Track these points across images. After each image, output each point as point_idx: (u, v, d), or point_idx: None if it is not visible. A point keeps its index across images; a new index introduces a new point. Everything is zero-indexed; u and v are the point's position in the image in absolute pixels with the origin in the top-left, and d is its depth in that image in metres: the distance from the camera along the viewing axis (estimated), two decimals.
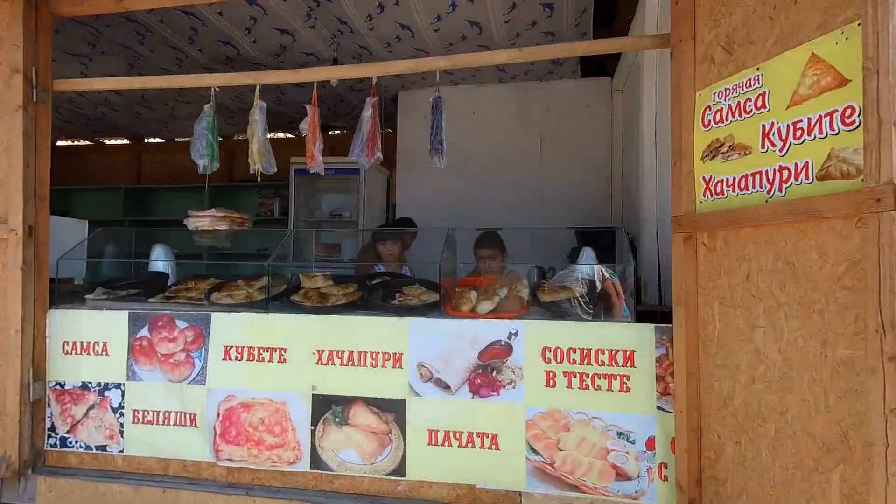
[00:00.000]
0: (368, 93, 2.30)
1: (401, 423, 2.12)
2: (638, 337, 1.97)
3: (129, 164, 6.70)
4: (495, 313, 2.18)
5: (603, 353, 1.99)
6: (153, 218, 5.91)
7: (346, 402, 2.17)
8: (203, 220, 2.56)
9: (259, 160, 2.32)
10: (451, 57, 2.12)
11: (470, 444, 2.06)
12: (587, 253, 2.62)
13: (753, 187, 1.58)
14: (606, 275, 2.20)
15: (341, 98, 4.99)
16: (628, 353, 1.97)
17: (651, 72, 2.97)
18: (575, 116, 4.64)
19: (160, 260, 2.77)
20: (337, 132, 6.50)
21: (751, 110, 1.60)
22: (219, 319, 2.33)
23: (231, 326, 2.32)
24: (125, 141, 6.95)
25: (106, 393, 2.37)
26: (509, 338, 2.08)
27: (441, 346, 2.13)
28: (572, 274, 2.57)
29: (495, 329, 2.10)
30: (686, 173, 1.83)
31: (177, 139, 6.54)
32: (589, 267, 2.56)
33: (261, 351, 2.27)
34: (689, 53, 1.84)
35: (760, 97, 1.57)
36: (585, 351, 2.01)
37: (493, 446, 2.04)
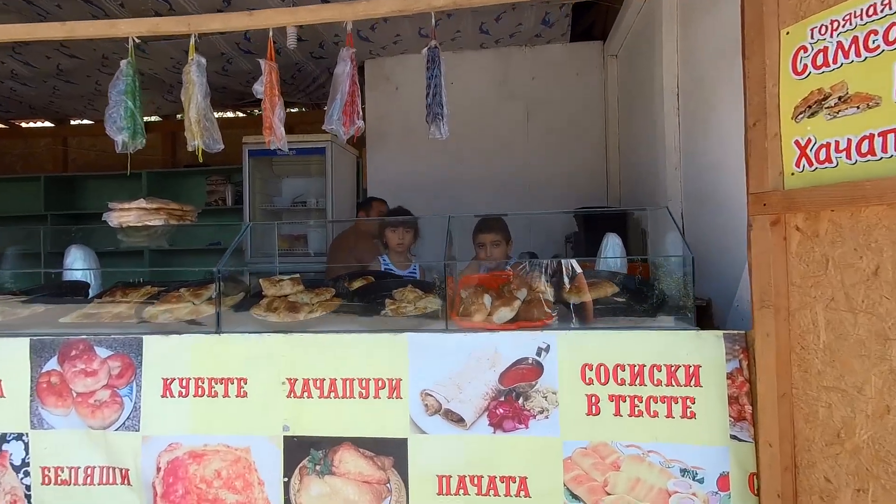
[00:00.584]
0: (330, 62, 1.77)
1: (401, 469, 1.65)
2: (703, 347, 1.56)
3: (53, 151, 5.81)
4: (516, 322, 1.73)
5: (659, 370, 1.57)
6: (83, 211, 5.11)
7: (328, 444, 1.68)
8: (128, 215, 1.97)
9: (199, 134, 1.76)
10: None
11: (492, 492, 1.62)
12: (612, 241, 2.19)
13: (885, 151, 1.17)
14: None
15: (299, 67, 4.35)
16: (692, 368, 1.56)
17: (671, 28, 2.54)
18: (564, 85, 4.20)
19: (75, 268, 2.16)
20: (294, 109, 5.84)
21: (878, 46, 1.18)
22: (154, 344, 1.78)
23: (171, 353, 1.77)
24: (48, 123, 6.04)
25: (3, 447, 1.79)
26: (539, 354, 1.63)
27: (451, 367, 1.66)
28: (601, 266, 2.15)
29: (520, 343, 1.64)
30: (771, 136, 1.41)
31: None
32: (618, 254, 2.14)
33: (213, 383, 1.74)
34: None
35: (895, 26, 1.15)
36: (637, 368, 1.58)
37: (523, 493, 1.61)
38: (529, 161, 4.22)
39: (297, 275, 2.16)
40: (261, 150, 3.75)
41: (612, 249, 2.18)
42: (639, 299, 1.82)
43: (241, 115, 5.78)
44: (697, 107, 2.33)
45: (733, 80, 2.00)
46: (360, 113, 1.74)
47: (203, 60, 1.80)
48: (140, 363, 1.77)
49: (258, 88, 1.78)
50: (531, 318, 1.74)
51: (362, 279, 2.24)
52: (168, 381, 1.75)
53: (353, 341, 1.72)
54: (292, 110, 5.86)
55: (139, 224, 1.98)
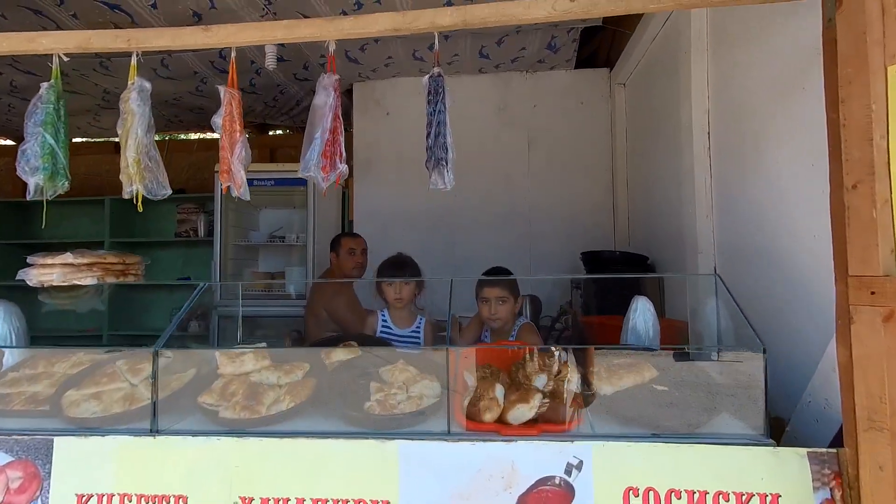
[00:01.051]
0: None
1: None
2: (782, 470, 1.20)
3: (11, 172, 5.35)
4: (537, 425, 1.36)
5: (727, 500, 1.20)
6: (37, 241, 4.65)
7: None
8: (50, 272, 1.58)
9: (138, 177, 1.39)
10: (463, 8, 1.27)
11: None
12: (642, 306, 1.84)
13: None
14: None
15: (282, 90, 4.01)
16: (769, 498, 1.19)
17: (700, 59, 2.24)
18: (568, 113, 3.90)
19: None
20: (278, 132, 5.48)
21: None
22: (67, 448, 1.37)
23: (90, 460, 1.36)
24: (8, 142, 5.59)
25: None
26: (568, 472, 1.26)
27: (453, 486, 1.28)
28: (630, 338, 1.79)
29: (544, 456, 1.27)
30: (881, 204, 1.07)
31: (74, 140, 5.29)
32: (650, 325, 1.79)
33: (143, 503, 1.33)
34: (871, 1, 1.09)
35: None
36: (697, 496, 1.21)
37: None
38: (531, 194, 3.90)
39: (264, 345, 1.77)
40: None
41: (642, 317, 1.83)
42: (685, 389, 1.47)
43: (215, 136, 5.41)
44: (736, 147, 2.02)
45: (790, 116, 1.69)
46: (343, 155, 1.38)
47: (147, 85, 1.44)
48: (48, 473, 1.36)
49: (216, 122, 1.42)
50: (556, 420, 1.37)
51: (345, 349, 1.85)
52: (84, 500, 1.34)
53: (329, 449, 1.33)
54: (277, 132, 5.50)
55: (65, 283, 1.58)
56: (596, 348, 1.66)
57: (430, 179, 1.35)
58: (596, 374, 1.54)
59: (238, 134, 1.37)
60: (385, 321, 2.31)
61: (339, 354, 1.83)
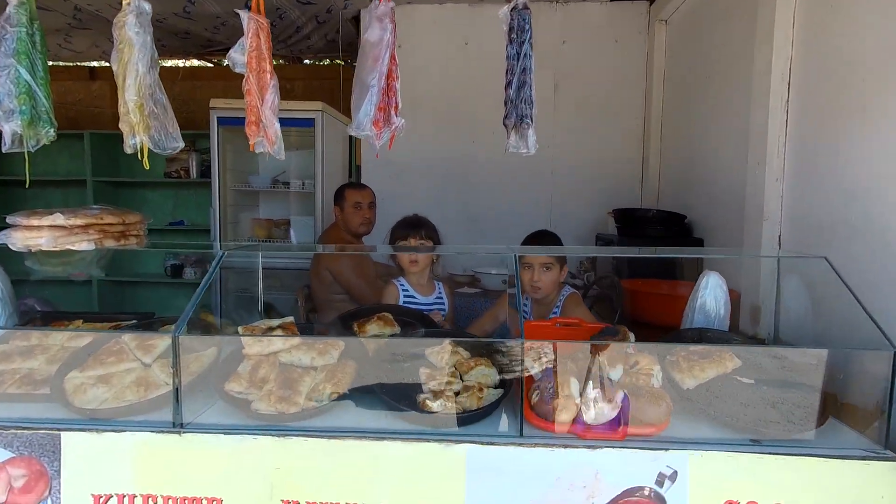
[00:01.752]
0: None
1: None
2: None
3: None
4: (620, 429, 1.20)
5: None
6: (10, 177, 4.25)
7: None
8: (37, 236, 1.33)
9: (141, 125, 1.11)
10: None
11: None
12: (713, 282, 1.66)
13: None
14: None
15: (280, 14, 3.56)
16: None
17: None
18: (600, 53, 3.56)
19: None
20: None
21: None
22: (77, 445, 1.18)
23: (106, 458, 1.18)
24: None
25: None
26: (660, 483, 1.12)
27: (527, 496, 1.14)
28: (697, 318, 1.63)
29: (633, 465, 1.13)
30: None
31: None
32: (721, 304, 1.62)
33: None
34: None
35: None
36: None
37: None
38: (555, 140, 3.61)
39: (291, 319, 1.56)
40: (233, 117, 3.01)
41: (712, 294, 1.65)
42: (784, 387, 1.31)
43: (207, 64, 4.91)
44: (828, 105, 1.77)
45: None
46: (399, 105, 1.11)
47: (146, 7, 1.13)
48: (57, 472, 1.18)
49: (237, 58, 1.13)
50: (642, 420, 1.21)
51: (379, 321, 1.66)
52: (103, 501, 1.17)
53: (383, 452, 1.16)
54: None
55: (54, 248, 1.33)
56: (663, 338, 1.49)
57: (509, 141, 1.10)
58: (673, 364, 1.38)
59: (269, 76, 1.08)
60: (406, 290, 2.08)
61: (374, 325, 1.64)
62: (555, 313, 1.99)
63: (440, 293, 2.09)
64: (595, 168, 3.60)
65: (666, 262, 2.58)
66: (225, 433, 1.18)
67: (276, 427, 1.20)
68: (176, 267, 4.05)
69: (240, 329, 1.49)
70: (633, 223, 2.90)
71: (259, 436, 1.18)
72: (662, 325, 2.20)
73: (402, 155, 3.67)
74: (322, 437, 1.17)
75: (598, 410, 1.20)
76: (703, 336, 1.53)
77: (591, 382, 1.25)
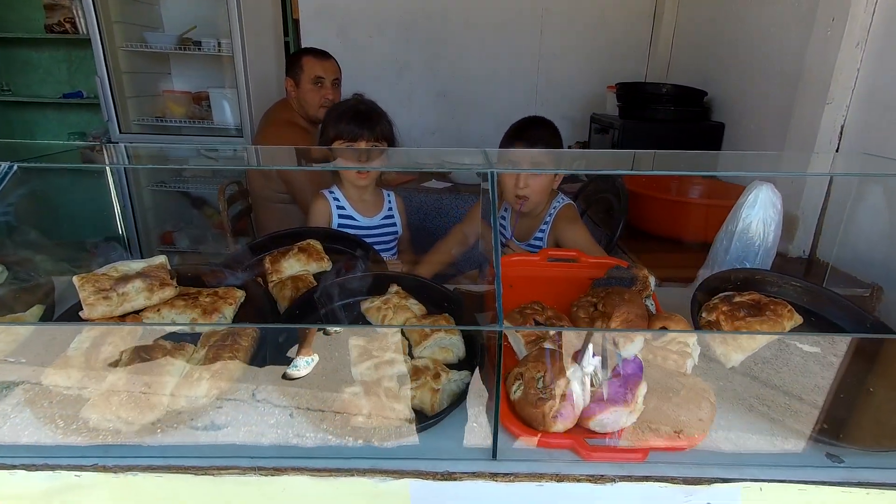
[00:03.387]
0: None
1: None
2: None
3: None
4: (643, 444, 0.81)
5: None
6: None
7: None
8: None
9: None
10: None
11: None
12: (765, 197, 1.20)
13: None
14: None
15: None
16: None
17: None
18: None
19: None
20: None
21: None
22: None
23: None
24: None
25: None
26: None
27: None
28: (738, 255, 1.20)
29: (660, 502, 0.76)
30: None
31: None
32: (771, 229, 1.19)
33: None
34: None
35: None
36: None
37: None
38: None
39: (161, 259, 1.06)
40: None
41: (761, 213, 1.20)
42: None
43: None
44: None
45: None
46: None
47: None
48: None
49: None
50: (673, 429, 0.82)
51: (301, 255, 1.17)
52: None
53: (284, 491, 0.76)
54: None
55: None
56: (697, 288, 1.05)
57: None
58: (708, 327, 0.97)
59: None
60: (342, 206, 1.52)
61: (296, 266, 1.16)
62: (542, 230, 1.53)
63: (390, 209, 1.57)
64: (594, 29, 2.89)
65: (681, 158, 2.10)
66: (27, 467, 0.75)
67: (115, 454, 0.77)
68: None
69: (75, 279, 0.98)
70: (641, 101, 2.33)
71: (85, 471, 0.75)
72: (674, 239, 1.79)
73: (352, 3, 2.87)
74: (189, 470, 0.75)
75: (610, 415, 0.80)
76: (751, 279, 1.10)
77: (585, 368, 0.83)
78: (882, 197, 1.31)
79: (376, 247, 1.47)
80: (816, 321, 1.04)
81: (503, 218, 1.62)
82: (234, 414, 0.84)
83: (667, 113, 2.25)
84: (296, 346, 0.93)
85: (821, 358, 0.95)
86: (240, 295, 1.04)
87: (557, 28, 2.92)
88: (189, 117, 2.70)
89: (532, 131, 1.47)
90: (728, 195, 1.66)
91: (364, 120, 1.40)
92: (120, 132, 2.45)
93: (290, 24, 3.11)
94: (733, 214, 1.24)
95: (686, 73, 2.62)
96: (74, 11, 3.09)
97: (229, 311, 1.01)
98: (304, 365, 0.91)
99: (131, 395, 0.83)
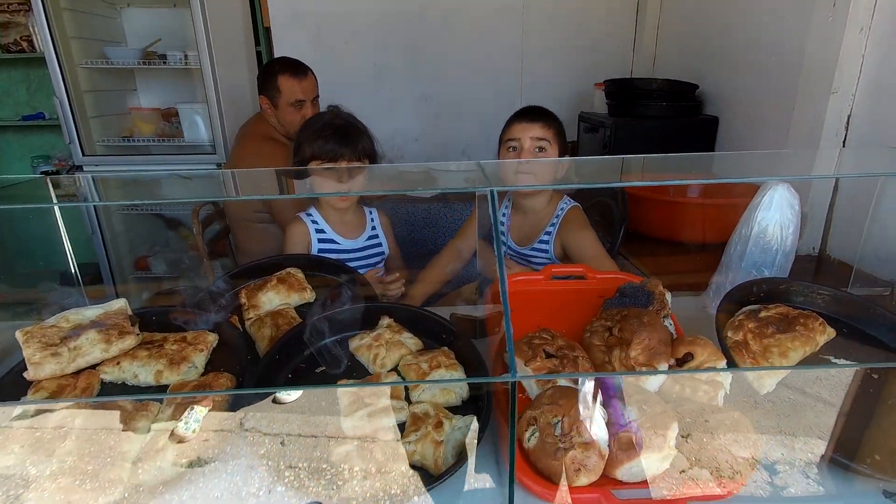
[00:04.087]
0: None
1: None
2: None
3: None
4: (680, 495, 0.71)
5: None
6: None
7: None
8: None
9: None
10: None
11: None
12: (780, 197, 1.11)
13: None
14: None
15: None
16: None
17: None
18: None
19: None
20: None
21: None
22: None
23: None
24: None
25: None
26: None
27: None
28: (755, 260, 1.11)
29: None
30: None
31: None
32: (790, 231, 1.10)
33: None
34: None
35: None
36: None
37: None
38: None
39: (121, 303, 0.94)
40: None
41: (778, 214, 1.12)
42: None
43: None
44: None
45: None
46: None
47: None
48: None
49: None
50: (714, 476, 0.72)
51: (280, 286, 1.05)
52: None
53: None
54: None
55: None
56: (723, 304, 0.96)
57: None
58: (736, 348, 0.87)
59: None
60: (322, 231, 1.38)
61: (275, 299, 1.05)
62: (548, 233, 1.43)
63: (374, 228, 1.45)
64: (576, 24, 2.81)
65: (673, 147, 2.03)
66: None
67: None
68: None
69: (18, 335, 0.86)
70: (631, 98, 2.24)
71: None
72: (676, 241, 1.71)
73: (326, 8, 2.75)
74: None
75: (635, 466, 0.70)
76: (775, 290, 1.01)
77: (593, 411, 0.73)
78: (892, 189, 1.23)
79: (363, 270, 1.36)
80: (849, 332, 0.95)
81: (502, 224, 1.52)
82: (211, 481, 0.72)
83: (658, 109, 2.17)
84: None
85: (854, 373, 0.86)
86: (212, 339, 0.93)
87: (539, 24, 2.84)
88: (158, 135, 2.56)
89: (538, 110, 1.39)
90: (731, 193, 1.58)
91: (342, 137, 1.28)
92: (83, 154, 2.30)
93: (262, 33, 2.98)
94: (747, 217, 1.15)
95: (674, 67, 2.55)
96: (31, 29, 2.93)
97: (200, 360, 0.89)
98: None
99: (84, 471, 0.71)
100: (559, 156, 1.39)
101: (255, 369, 0.84)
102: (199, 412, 0.78)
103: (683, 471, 0.72)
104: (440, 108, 3.02)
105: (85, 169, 2.37)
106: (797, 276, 1.52)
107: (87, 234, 2.36)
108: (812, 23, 1.48)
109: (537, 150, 1.36)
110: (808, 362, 0.89)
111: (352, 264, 1.29)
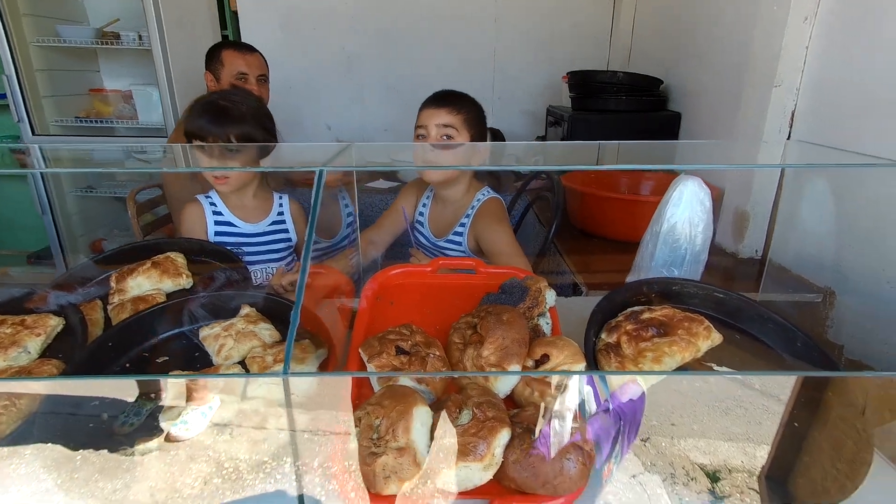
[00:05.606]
0: None
1: None
2: None
3: None
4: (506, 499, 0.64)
5: None
6: None
7: None
8: None
9: None
10: None
11: None
12: (690, 191, 1.03)
13: None
14: None
15: None
16: None
17: None
18: None
19: None
20: None
21: None
22: None
23: None
24: None
25: None
26: None
27: None
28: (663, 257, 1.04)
29: None
30: None
31: None
32: (700, 228, 1.03)
33: None
34: None
35: None
36: None
37: None
38: None
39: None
40: None
41: (687, 210, 1.04)
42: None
43: None
44: None
45: None
46: None
47: None
48: None
49: None
50: (534, 480, 0.65)
51: (154, 270, 1.00)
52: None
53: None
54: None
55: None
56: (601, 299, 0.88)
57: None
58: (608, 352, 0.80)
59: None
60: (219, 213, 1.31)
61: (145, 284, 1.00)
62: (462, 224, 1.37)
63: (281, 214, 1.37)
64: (552, 17, 2.73)
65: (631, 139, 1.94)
66: None
67: None
68: None
69: None
70: (593, 91, 2.16)
71: None
72: (614, 239, 1.63)
73: None
74: None
75: (458, 475, 0.64)
76: (667, 290, 0.94)
77: (455, 402, 0.66)
78: (832, 191, 1.15)
79: (264, 257, 1.31)
80: (742, 338, 0.88)
81: (422, 214, 1.46)
82: None
83: (619, 103, 2.09)
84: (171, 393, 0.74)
85: (739, 384, 0.79)
86: (54, 324, 0.87)
87: (513, 16, 2.76)
88: (118, 117, 2.52)
89: (444, 103, 1.32)
90: (662, 189, 1.51)
91: (215, 117, 1.20)
92: (33, 134, 2.27)
93: (229, 17, 2.93)
94: (658, 214, 1.07)
95: (647, 62, 2.46)
96: None
97: (34, 345, 0.84)
98: (197, 418, 0.71)
99: None
100: (472, 140, 1.32)
101: (77, 355, 0.78)
102: (194, 409, 0.70)
103: (635, 475, 0.67)
104: (410, 100, 2.95)
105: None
106: (730, 278, 1.44)
107: (38, 215, 2.33)
108: (758, 13, 1.40)
109: (445, 137, 1.29)
110: (688, 369, 0.82)
111: (252, 249, 1.23)
